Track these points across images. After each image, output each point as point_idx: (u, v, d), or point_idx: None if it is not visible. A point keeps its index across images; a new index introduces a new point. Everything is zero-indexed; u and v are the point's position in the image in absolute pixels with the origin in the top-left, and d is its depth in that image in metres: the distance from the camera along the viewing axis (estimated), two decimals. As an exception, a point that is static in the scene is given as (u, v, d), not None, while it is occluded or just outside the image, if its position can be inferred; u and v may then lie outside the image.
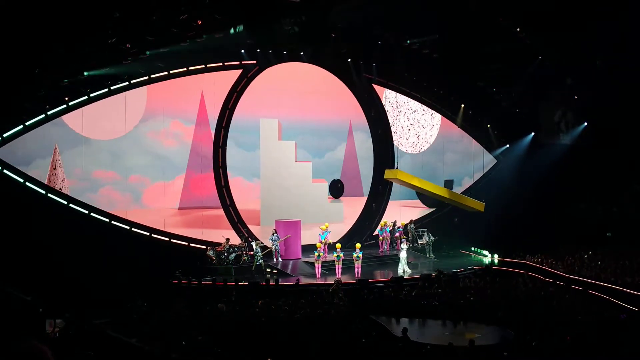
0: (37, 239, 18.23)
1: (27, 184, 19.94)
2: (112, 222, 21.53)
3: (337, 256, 21.00)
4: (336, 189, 27.44)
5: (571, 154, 28.16)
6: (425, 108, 29.53)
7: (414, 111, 29.25)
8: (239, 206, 24.15)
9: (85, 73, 19.88)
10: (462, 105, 29.27)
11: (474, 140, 30.23)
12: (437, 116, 29.94)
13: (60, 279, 16.67)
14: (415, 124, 29.87)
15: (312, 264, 21.74)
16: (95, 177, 22.10)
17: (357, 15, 22.26)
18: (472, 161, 30.02)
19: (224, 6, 19.67)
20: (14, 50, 17.16)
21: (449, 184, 27.90)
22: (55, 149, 21.14)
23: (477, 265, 23.35)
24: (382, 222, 25.94)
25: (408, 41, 25.17)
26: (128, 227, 21.87)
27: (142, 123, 22.86)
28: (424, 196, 28.74)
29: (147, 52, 20.33)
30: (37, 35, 17.26)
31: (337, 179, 27.67)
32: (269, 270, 21.54)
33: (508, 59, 25.05)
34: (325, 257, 22.06)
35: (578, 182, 27.93)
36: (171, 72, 22.66)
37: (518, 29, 24.07)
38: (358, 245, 21.76)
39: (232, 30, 21.02)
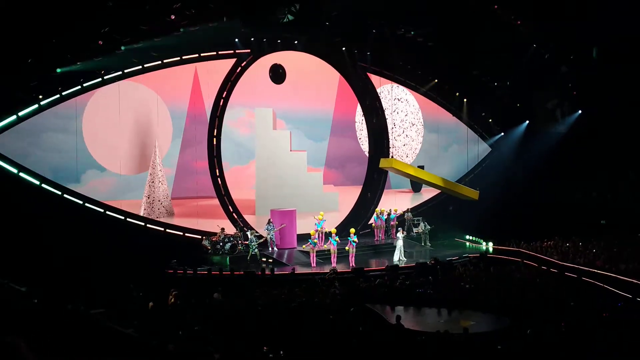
0: (31, 230, 18.19)
1: (21, 174, 19.88)
2: (107, 212, 21.51)
3: (334, 241, 21.02)
4: (277, 75, 26.72)
5: (566, 142, 28.21)
6: (393, 100, 29.22)
7: (393, 126, 28.76)
8: (235, 195, 24.15)
9: (79, 63, 19.77)
10: (458, 93, 29.28)
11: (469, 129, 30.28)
12: (410, 97, 29.96)
13: (55, 270, 16.62)
14: (405, 124, 30.01)
15: (307, 253, 21.77)
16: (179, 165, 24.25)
17: (351, 4, 22.16)
18: (466, 149, 30.10)
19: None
20: (5, 40, 17.04)
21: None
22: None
23: (472, 253, 23.42)
24: (377, 210, 25.95)
25: (402, 29, 25.10)
26: (123, 217, 21.85)
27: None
28: (413, 182, 28.97)
29: (140, 42, 20.22)
30: (29, 25, 17.14)
31: (279, 64, 26.59)
32: (264, 259, 21.56)
33: (503, 47, 24.99)
34: (321, 246, 22.08)
35: (573, 170, 28.01)
36: (165, 61, 22.58)
37: (513, 17, 24.03)
38: (352, 230, 21.76)
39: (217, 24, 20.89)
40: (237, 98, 24.48)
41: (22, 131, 20.33)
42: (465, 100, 29.47)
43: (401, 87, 29.43)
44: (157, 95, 24.28)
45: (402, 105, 30.00)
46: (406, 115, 30.15)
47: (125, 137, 23.81)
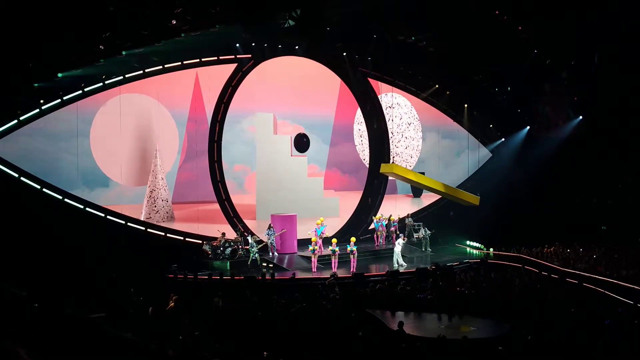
0: (31, 234, 18.19)
1: (22, 179, 19.89)
2: (108, 216, 21.51)
3: (332, 250, 21.00)
4: (301, 144, 27.38)
5: (566, 148, 28.20)
6: (385, 109, 29.06)
7: (392, 135, 28.44)
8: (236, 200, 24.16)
9: (80, 68, 19.82)
10: (462, 101, 29.29)
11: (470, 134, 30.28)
12: (400, 99, 29.95)
13: (56, 274, 16.62)
14: (402, 127, 29.99)
15: (308, 258, 21.74)
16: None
17: (352, 9, 22.19)
18: (467, 155, 30.12)
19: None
20: (7, 44, 17.09)
21: None
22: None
23: (472, 259, 23.38)
24: (377, 216, 25.93)
25: (403, 35, 25.14)
26: (124, 222, 21.85)
27: (245, 118, 25.95)
28: (414, 187, 28.97)
29: (142, 47, 20.26)
30: (31, 29, 17.18)
31: (303, 133, 27.82)
32: (264, 264, 21.54)
33: (504, 53, 25.02)
34: (321, 251, 22.05)
35: (573, 176, 27.99)
36: (166, 66, 22.62)
37: (514, 22, 24.06)
38: (353, 239, 21.75)
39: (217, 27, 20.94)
40: (241, 103, 24.62)
41: (55, 135, 20.93)
42: (466, 105, 29.47)
43: (390, 93, 29.29)
44: (159, 102, 24.33)
45: (394, 111, 29.87)
46: (401, 118, 30.04)
47: (132, 148, 23.93)
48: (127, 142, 23.52)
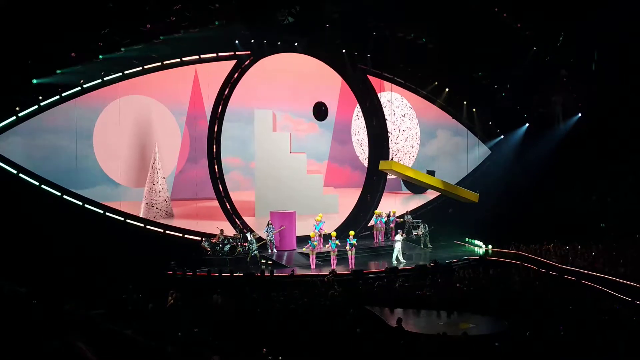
0: (31, 231, 18.19)
1: (21, 175, 19.88)
2: (107, 213, 21.50)
3: (333, 244, 21.02)
4: (320, 112, 27.63)
5: (565, 145, 28.19)
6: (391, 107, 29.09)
7: (390, 134, 28.50)
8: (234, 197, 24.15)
9: (79, 65, 19.79)
10: (462, 99, 29.23)
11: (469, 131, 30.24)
12: (388, 96, 29.95)
13: (55, 271, 16.62)
14: (397, 123, 29.94)
15: (306, 255, 21.75)
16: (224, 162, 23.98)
17: (352, 6, 22.17)
18: (466, 152, 30.09)
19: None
20: (6, 41, 17.07)
21: (431, 174, 27.81)
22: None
23: (471, 256, 23.39)
24: (376, 212, 25.90)
25: (403, 32, 25.11)
26: (122, 219, 21.84)
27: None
28: (411, 184, 28.91)
29: (141, 43, 20.25)
30: (29, 26, 17.17)
31: (321, 102, 28.03)
32: (263, 261, 21.55)
33: (503, 50, 24.99)
34: (320, 248, 22.05)
35: (572, 173, 27.99)
36: (165, 62, 22.58)
37: (514, 19, 24.07)
38: (352, 232, 21.74)
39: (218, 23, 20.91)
40: (244, 100, 24.66)
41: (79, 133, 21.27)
42: (465, 102, 29.44)
43: (381, 93, 29.13)
44: (158, 99, 24.31)
45: (387, 110, 29.75)
46: (395, 115, 29.93)
47: (132, 146, 23.97)
48: (126, 139, 23.52)
